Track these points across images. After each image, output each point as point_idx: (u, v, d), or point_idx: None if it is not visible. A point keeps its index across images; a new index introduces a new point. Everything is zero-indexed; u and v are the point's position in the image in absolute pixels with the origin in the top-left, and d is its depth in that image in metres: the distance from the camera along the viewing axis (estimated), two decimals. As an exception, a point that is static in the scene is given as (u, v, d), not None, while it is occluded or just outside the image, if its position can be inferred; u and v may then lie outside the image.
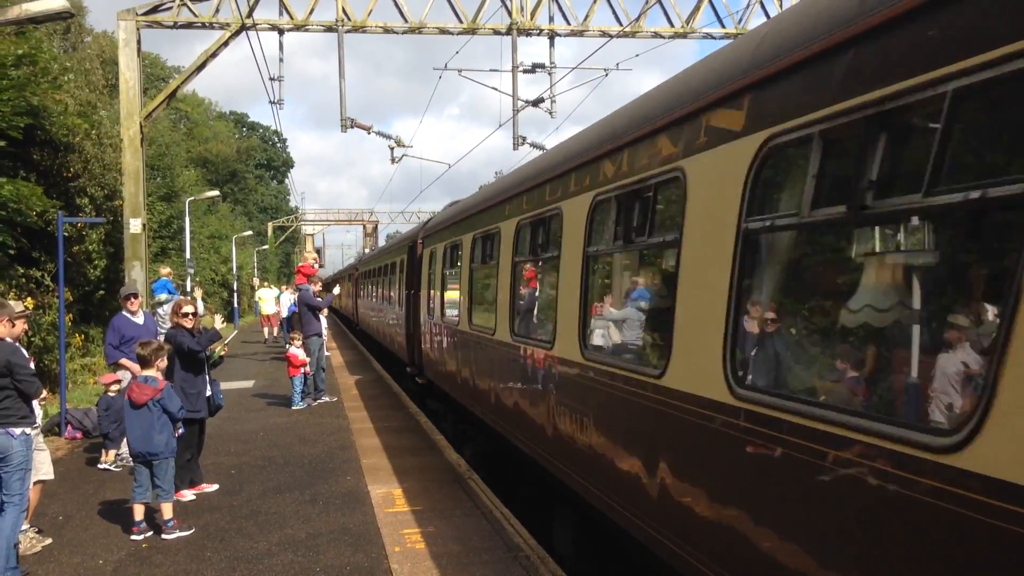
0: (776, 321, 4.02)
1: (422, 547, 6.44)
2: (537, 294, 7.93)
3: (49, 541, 6.85)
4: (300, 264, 16.36)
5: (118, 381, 9.94)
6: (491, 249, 9.06)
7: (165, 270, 17.28)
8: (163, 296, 16.86)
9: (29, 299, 14.24)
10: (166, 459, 7.09)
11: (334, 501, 7.90)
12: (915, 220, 3.20)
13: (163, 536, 6.94)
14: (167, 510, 7.07)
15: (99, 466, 9.80)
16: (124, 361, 10.01)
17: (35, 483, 6.60)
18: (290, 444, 10.83)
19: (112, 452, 9.88)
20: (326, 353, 23.00)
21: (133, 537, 6.98)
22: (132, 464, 7.43)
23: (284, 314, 23.82)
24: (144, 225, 18.21)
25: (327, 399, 14.66)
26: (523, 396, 7.36)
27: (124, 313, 10.39)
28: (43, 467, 6.86)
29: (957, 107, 2.73)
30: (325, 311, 15.71)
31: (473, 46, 25.98)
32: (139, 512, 7.11)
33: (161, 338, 15.42)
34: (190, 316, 8.60)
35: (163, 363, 7.39)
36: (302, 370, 14.06)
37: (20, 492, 6.18)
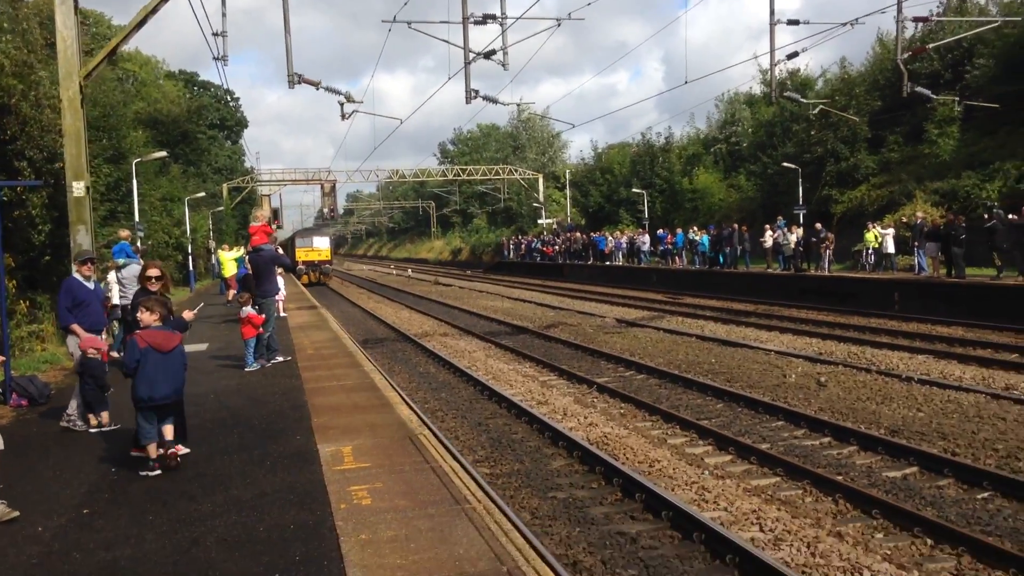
0: None
1: (368, 503, 6.38)
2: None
3: (16, 514, 6.62)
4: (254, 224, 15.91)
5: (98, 347, 9.69)
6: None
7: (124, 232, 16.87)
8: (121, 260, 16.47)
9: (-32, 266, 13.85)
10: None
11: (282, 461, 7.80)
12: None
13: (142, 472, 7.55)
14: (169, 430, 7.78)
15: (91, 430, 9.54)
16: (75, 327, 9.81)
17: None
18: (241, 406, 10.69)
19: (105, 414, 9.66)
20: (283, 314, 22.86)
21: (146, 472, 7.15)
22: (140, 412, 7.64)
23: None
24: (88, 188, 17.71)
25: (281, 359, 14.49)
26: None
27: (77, 276, 10.20)
28: None
29: None
30: (281, 270, 15.49)
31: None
32: (154, 450, 7.67)
33: (113, 300, 15.20)
34: (153, 280, 8.73)
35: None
36: (259, 330, 13.87)
37: None
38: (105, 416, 9.71)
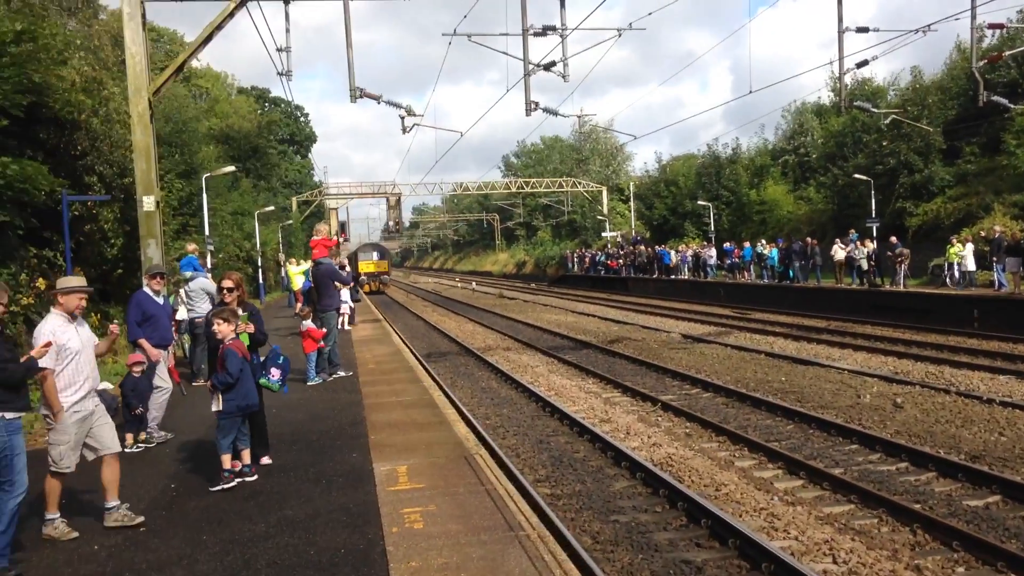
0: None
1: (420, 526, 6.21)
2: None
3: (141, 519, 6.82)
4: (315, 238, 15.92)
5: (141, 361, 9.71)
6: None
7: (191, 247, 17.08)
8: (188, 273, 16.70)
9: (41, 280, 14.16)
10: None
11: (337, 479, 7.70)
12: None
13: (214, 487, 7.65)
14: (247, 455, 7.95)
15: (126, 450, 9.53)
16: (142, 342, 9.82)
17: (103, 456, 6.85)
18: (301, 421, 10.67)
19: (140, 433, 9.66)
20: (346, 327, 22.97)
21: (221, 485, 7.63)
22: (230, 420, 7.72)
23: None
24: (159, 203, 18.04)
25: (343, 374, 14.50)
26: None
27: (147, 290, 10.25)
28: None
29: None
30: (344, 286, 15.48)
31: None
32: (228, 460, 7.75)
33: (180, 314, 15.36)
34: (225, 292, 8.63)
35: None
36: (319, 344, 13.91)
37: (10, 478, 5.99)
38: (140, 436, 9.70)
